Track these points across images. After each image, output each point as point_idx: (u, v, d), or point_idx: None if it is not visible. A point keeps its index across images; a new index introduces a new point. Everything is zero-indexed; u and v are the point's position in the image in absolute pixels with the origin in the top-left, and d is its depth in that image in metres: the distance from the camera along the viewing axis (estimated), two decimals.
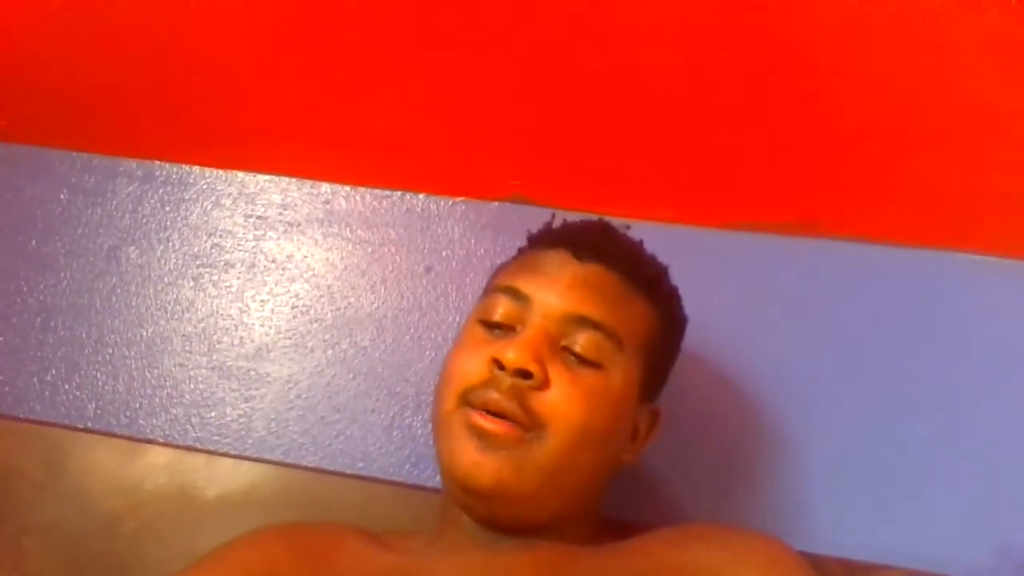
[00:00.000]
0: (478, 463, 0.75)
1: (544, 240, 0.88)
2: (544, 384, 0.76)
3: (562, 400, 0.76)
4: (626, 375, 0.80)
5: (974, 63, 0.94)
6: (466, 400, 0.77)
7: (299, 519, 0.98)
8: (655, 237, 1.05)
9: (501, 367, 0.76)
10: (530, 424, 0.75)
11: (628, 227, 0.91)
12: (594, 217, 0.91)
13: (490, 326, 0.81)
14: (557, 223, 0.90)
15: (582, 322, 0.79)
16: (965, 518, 0.95)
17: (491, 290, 0.84)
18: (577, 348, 0.78)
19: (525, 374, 0.76)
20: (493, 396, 0.76)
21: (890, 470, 0.98)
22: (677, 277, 0.91)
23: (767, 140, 1.03)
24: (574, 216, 0.92)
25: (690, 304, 0.94)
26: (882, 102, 0.98)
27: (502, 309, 0.81)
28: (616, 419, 0.80)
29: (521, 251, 0.90)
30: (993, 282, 1.01)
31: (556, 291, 0.80)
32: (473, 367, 0.78)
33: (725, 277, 1.06)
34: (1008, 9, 0.89)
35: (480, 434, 0.75)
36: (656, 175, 1.08)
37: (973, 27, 0.91)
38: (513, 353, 0.76)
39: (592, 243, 0.84)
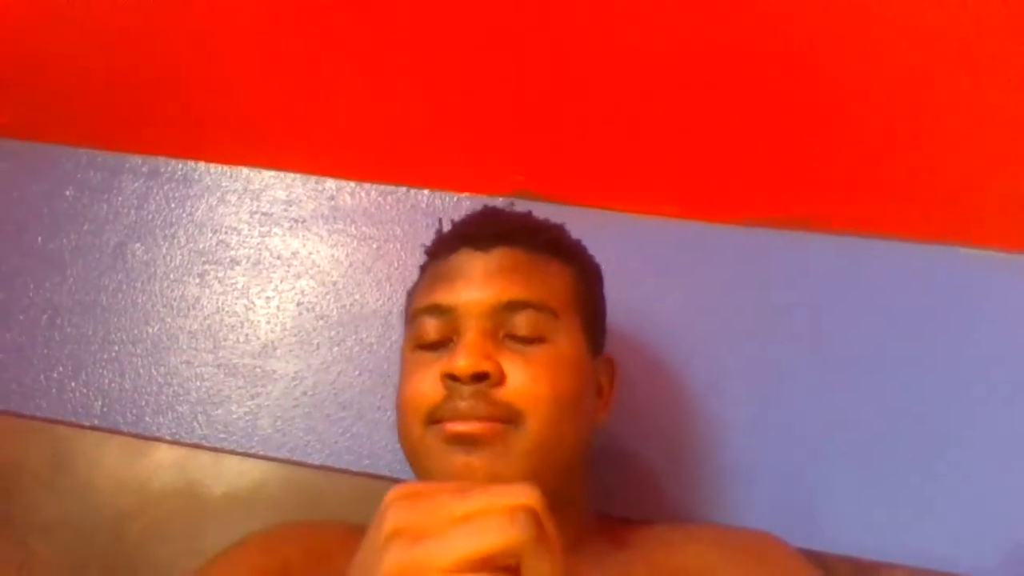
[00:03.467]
0: (468, 465, 0.74)
1: (442, 248, 0.87)
2: (501, 378, 0.76)
3: (526, 382, 0.76)
4: (571, 338, 0.80)
5: (970, 56, 0.93)
6: (433, 420, 0.76)
7: (305, 517, 0.98)
8: (657, 232, 1.05)
9: (455, 378, 0.75)
10: (507, 416, 0.75)
11: (512, 204, 0.91)
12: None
13: (426, 348, 0.80)
14: (445, 227, 0.89)
15: (512, 307, 0.79)
16: (972, 516, 0.94)
17: (413, 316, 0.83)
18: (518, 331, 0.78)
19: (481, 376, 0.75)
20: (460, 405, 0.75)
21: (896, 468, 0.97)
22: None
23: (769, 136, 1.03)
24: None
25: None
26: (880, 96, 0.97)
27: (432, 328, 0.80)
28: (579, 382, 0.80)
29: (424, 268, 0.89)
30: (996, 276, 1.01)
31: (475, 288, 0.79)
32: (428, 389, 0.77)
33: (725, 271, 1.05)
34: (1007, 6, 0.88)
35: (461, 440, 0.74)
36: (659, 170, 1.07)
37: (971, 21, 0.90)
38: (463, 360, 0.75)
39: (487, 230, 0.84)
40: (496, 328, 0.78)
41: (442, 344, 0.80)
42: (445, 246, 0.86)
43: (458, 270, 0.82)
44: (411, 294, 0.88)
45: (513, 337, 0.78)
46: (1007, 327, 0.99)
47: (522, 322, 0.78)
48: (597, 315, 0.87)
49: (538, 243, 0.84)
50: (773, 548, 0.79)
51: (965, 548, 0.93)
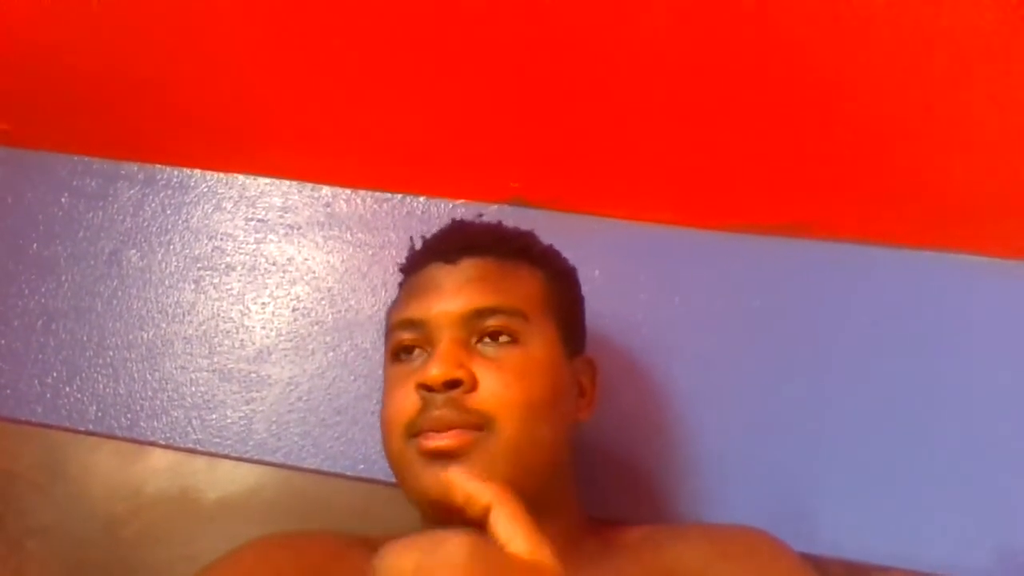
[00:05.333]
0: (448, 479, 0.74)
1: (413, 264, 0.88)
2: (474, 384, 0.77)
3: (497, 387, 0.77)
4: (544, 340, 0.81)
5: (968, 63, 0.94)
6: (410, 433, 0.77)
7: (300, 522, 0.98)
8: (652, 238, 1.06)
9: (429, 388, 0.77)
10: (479, 423, 0.76)
11: (482, 215, 0.93)
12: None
13: (402, 359, 0.82)
14: (417, 244, 0.91)
15: (481, 314, 0.80)
16: (965, 519, 0.95)
17: (389, 332, 0.85)
18: (489, 336, 0.79)
19: (453, 383, 0.76)
20: (434, 414, 0.76)
21: (888, 471, 0.98)
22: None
23: (764, 142, 1.04)
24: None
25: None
26: (873, 104, 0.98)
27: (406, 342, 0.82)
28: (553, 384, 0.80)
29: (401, 286, 0.91)
30: (988, 282, 1.02)
31: (445, 299, 0.81)
32: (405, 401, 0.78)
33: (719, 277, 1.06)
34: (1006, 9, 0.89)
35: (437, 455, 0.75)
36: (654, 178, 1.08)
37: (968, 27, 0.91)
38: (435, 369, 0.76)
39: (454, 243, 0.86)
40: (468, 336, 0.80)
41: (416, 353, 0.81)
42: (416, 262, 0.88)
43: (429, 284, 0.83)
44: (389, 312, 0.89)
45: (484, 343, 0.80)
46: (999, 332, 1.00)
47: (493, 326, 0.80)
48: (573, 316, 0.88)
49: (506, 251, 0.85)
50: (762, 542, 0.79)
51: (958, 551, 0.94)
